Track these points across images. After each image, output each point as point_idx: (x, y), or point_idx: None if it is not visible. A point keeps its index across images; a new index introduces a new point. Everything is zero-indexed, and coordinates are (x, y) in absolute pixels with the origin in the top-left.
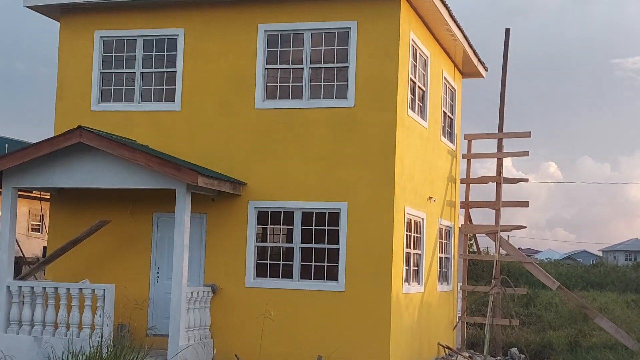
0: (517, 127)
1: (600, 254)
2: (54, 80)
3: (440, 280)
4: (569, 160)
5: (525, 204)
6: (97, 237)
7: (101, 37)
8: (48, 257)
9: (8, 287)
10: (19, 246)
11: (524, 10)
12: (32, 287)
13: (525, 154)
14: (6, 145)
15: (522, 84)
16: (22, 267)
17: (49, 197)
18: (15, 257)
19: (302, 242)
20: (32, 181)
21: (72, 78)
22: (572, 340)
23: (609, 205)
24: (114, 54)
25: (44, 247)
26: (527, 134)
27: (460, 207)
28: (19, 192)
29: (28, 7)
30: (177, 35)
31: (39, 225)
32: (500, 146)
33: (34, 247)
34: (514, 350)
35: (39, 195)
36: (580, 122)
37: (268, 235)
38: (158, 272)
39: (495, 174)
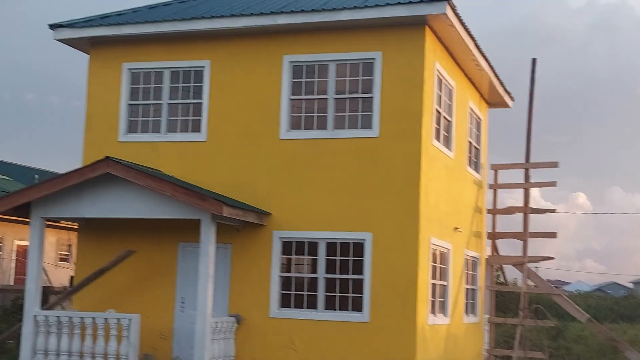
0: (545, 158)
1: (631, 285)
2: (84, 113)
3: (466, 311)
4: (598, 190)
5: (553, 235)
6: (123, 267)
7: (129, 69)
8: (75, 287)
9: (35, 316)
10: (46, 275)
11: (550, 40)
12: (59, 317)
13: (553, 184)
14: (36, 176)
15: (549, 114)
16: (49, 296)
17: (76, 226)
18: (43, 287)
19: (326, 273)
20: (60, 211)
21: (100, 109)
22: None
23: None
24: (141, 86)
25: (71, 277)
26: (555, 164)
27: (487, 238)
28: (47, 222)
29: (58, 40)
30: (204, 67)
31: (67, 254)
32: (527, 176)
33: (61, 276)
34: None
35: (67, 225)
36: (609, 152)
37: (292, 265)
38: (183, 302)
39: (522, 204)
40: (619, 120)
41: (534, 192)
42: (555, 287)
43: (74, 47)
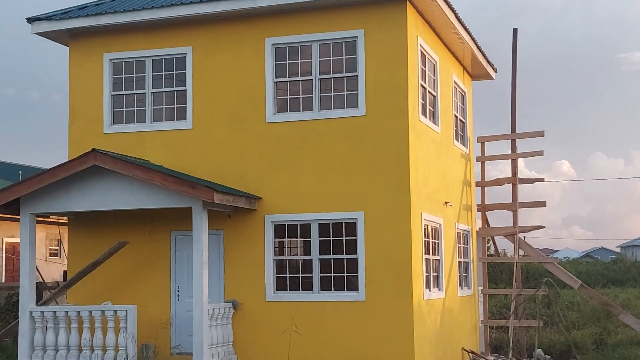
0: (529, 127)
1: (619, 250)
2: (66, 106)
3: (460, 284)
4: (581, 157)
5: (542, 204)
6: (117, 259)
7: (110, 59)
8: (69, 281)
9: (31, 313)
10: (38, 272)
11: (528, 10)
12: (55, 312)
13: (540, 153)
14: (20, 172)
15: (531, 84)
16: (42, 292)
17: (66, 221)
18: (36, 283)
19: (320, 254)
20: (49, 206)
21: (83, 102)
22: (597, 338)
23: (625, 200)
24: (123, 76)
25: (64, 272)
26: (541, 133)
27: (477, 211)
28: (36, 218)
29: (37, 33)
30: (186, 53)
31: (57, 249)
32: (514, 147)
33: (53, 271)
34: (539, 351)
35: (56, 220)
36: (590, 119)
37: (286, 248)
38: (178, 291)
39: (509, 175)
40: (599, 86)
41: (519, 162)
42: (545, 255)
43: (53, 40)
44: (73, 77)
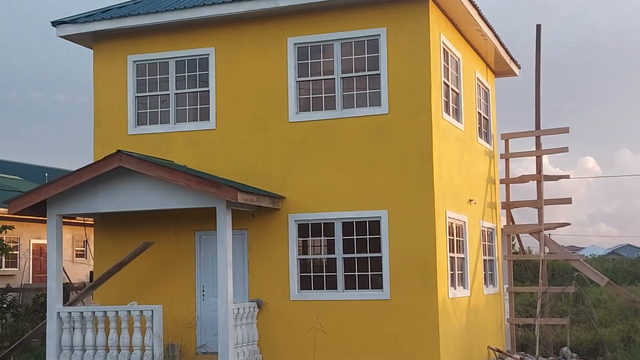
0: (553, 123)
1: None
2: (91, 108)
3: (486, 283)
4: (607, 153)
5: (568, 201)
6: (142, 259)
7: (134, 61)
8: (95, 282)
9: (58, 313)
10: (65, 272)
11: (551, 5)
12: (82, 312)
13: (565, 150)
14: (46, 174)
15: (555, 79)
16: (69, 293)
17: (92, 222)
18: (63, 284)
19: (344, 253)
20: (75, 207)
21: (108, 104)
22: (624, 336)
23: None
24: (147, 77)
25: (91, 272)
26: (566, 130)
27: (502, 208)
28: (62, 219)
29: (61, 36)
30: (208, 54)
31: (83, 250)
32: (538, 144)
33: (79, 272)
34: (566, 349)
35: (82, 221)
36: (616, 115)
37: (310, 247)
38: (203, 291)
39: (533, 172)
40: (623, 82)
41: (543, 159)
42: (571, 252)
43: (77, 43)
44: (97, 79)
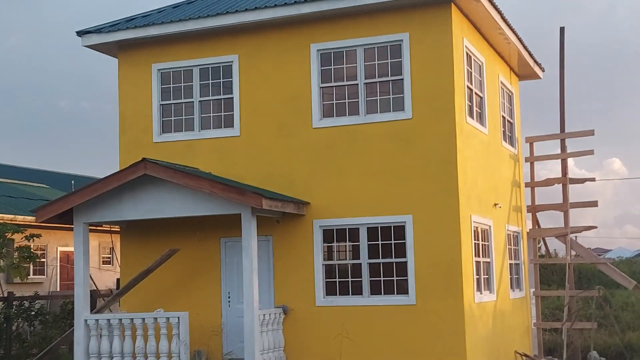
0: (578, 125)
1: None
2: (117, 116)
3: (512, 287)
4: (633, 155)
5: (594, 204)
6: (168, 266)
7: (158, 69)
8: (122, 289)
9: (85, 321)
10: (92, 280)
11: (574, 6)
12: (109, 320)
13: (590, 152)
14: (72, 182)
15: (580, 81)
16: (96, 300)
17: (118, 229)
18: (90, 291)
19: (369, 258)
20: (101, 215)
21: (133, 112)
22: None
23: None
24: (171, 85)
25: (117, 280)
26: (591, 132)
27: (527, 212)
28: (89, 227)
29: (86, 46)
30: (232, 61)
31: (109, 257)
32: (563, 146)
33: (106, 279)
34: (594, 353)
35: (108, 229)
36: None
37: (335, 252)
38: (229, 297)
39: (558, 175)
40: None
41: (569, 161)
42: (597, 255)
43: (102, 52)
44: (122, 88)
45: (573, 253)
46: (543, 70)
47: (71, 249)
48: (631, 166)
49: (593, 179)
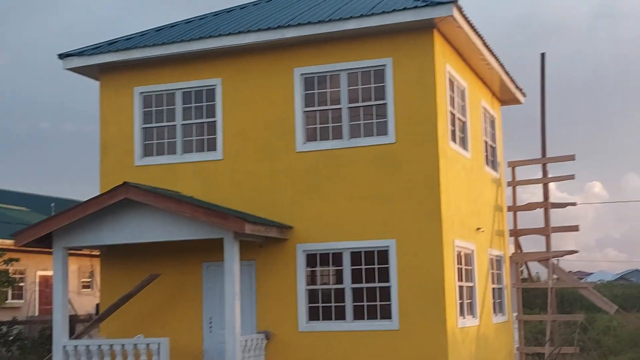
0: (559, 149)
1: None
2: (98, 138)
3: (495, 311)
4: (613, 178)
5: (575, 229)
6: (148, 291)
7: (140, 92)
8: (101, 315)
9: (64, 347)
10: (71, 304)
11: (554, 30)
12: (88, 346)
13: (571, 177)
14: (52, 204)
15: (561, 105)
16: (75, 325)
17: (98, 253)
18: (69, 316)
19: (352, 283)
20: (81, 240)
21: (114, 135)
22: None
23: None
24: (154, 109)
25: (97, 305)
26: (571, 157)
27: (510, 236)
28: (68, 251)
29: (68, 69)
30: (215, 85)
31: (89, 281)
32: (545, 171)
33: (85, 304)
34: None
35: (88, 252)
36: (621, 140)
37: (318, 277)
38: (211, 323)
39: (540, 199)
40: (629, 107)
41: (550, 185)
42: (579, 278)
43: (84, 75)
44: (104, 111)
45: (555, 277)
46: (524, 96)
47: (50, 273)
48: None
49: (574, 204)
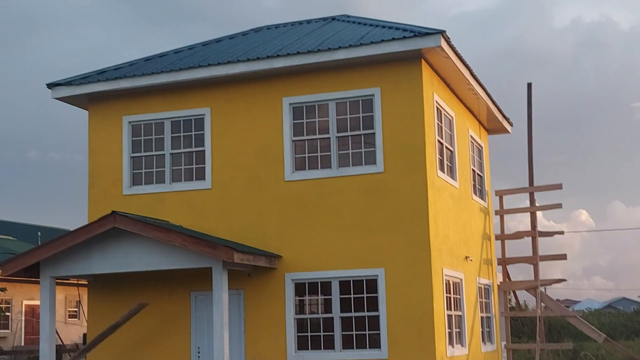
0: (546, 178)
1: None
2: (87, 166)
3: (483, 340)
4: (600, 206)
5: (563, 257)
6: (137, 321)
7: (129, 122)
8: (89, 345)
9: None
10: (57, 334)
11: (539, 61)
12: None
13: (558, 206)
14: (39, 233)
15: (547, 134)
16: (62, 355)
17: (85, 282)
18: (55, 346)
19: (341, 312)
20: (69, 269)
21: (103, 164)
22: None
23: None
24: (142, 138)
25: (84, 334)
26: (559, 186)
27: (498, 264)
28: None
29: (56, 98)
30: (204, 114)
31: (76, 311)
32: (532, 200)
33: (72, 333)
34: None
35: (75, 281)
36: (607, 168)
37: (307, 306)
38: (199, 352)
39: (527, 228)
40: (614, 135)
41: (537, 213)
42: (566, 306)
43: (72, 104)
44: (92, 140)
45: (543, 305)
46: (511, 125)
47: (37, 302)
48: (598, 218)
49: (562, 232)
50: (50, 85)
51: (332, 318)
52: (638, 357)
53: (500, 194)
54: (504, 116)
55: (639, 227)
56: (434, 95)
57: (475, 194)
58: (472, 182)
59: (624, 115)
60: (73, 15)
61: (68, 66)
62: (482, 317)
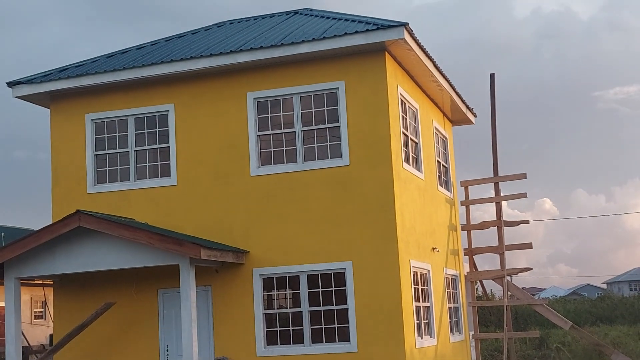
0: (510, 168)
1: (605, 286)
2: (50, 165)
3: (452, 330)
4: (563, 195)
5: (528, 246)
6: (104, 320)
7: (92, 119)
8: (55, 345)
9: None
10: (24, 335)
11: (501, 51)
12: None
13: (523, 195)
14: (2, 234)
15: (510, 123)
16: (28, 356)
17: (50, 282)
18: (22, 347)
19: (310, 306)
20: (33, 270)
21: (66, 163)
22: None
23: (608, 236)
24: (106, 135)
25: (50, 335)
26: (523, 176)
27: (464, 255)
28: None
29: (17, 97)
30: (168, 110)
31: (42, 311)
32: (497, 190)
33: (38, 334)
34: None
35: (40, 282)
36: (569, 157)
37: (275, 301)
38: (167, 350)
39: (493, 217)
40: (575, 124)
41: (503, 203)
42: (532, 294)
43: (34, 103)
44: (55, 138)
45: (509, 294)
46: (475, 116)
47: (2, 304)
48: (561, 206)
49: (527, 222)
50: (11, 84)
51: (301, 312)
52: (603, 342)
53: (465, 185)
54: (467, 107)
55: (602, 215)
56: (398, 88)
57: (441, 185)
58: (438, 174)
59: (585, 104)
60: (31, 13)
61: (27, 64)
62: (450, 308)
